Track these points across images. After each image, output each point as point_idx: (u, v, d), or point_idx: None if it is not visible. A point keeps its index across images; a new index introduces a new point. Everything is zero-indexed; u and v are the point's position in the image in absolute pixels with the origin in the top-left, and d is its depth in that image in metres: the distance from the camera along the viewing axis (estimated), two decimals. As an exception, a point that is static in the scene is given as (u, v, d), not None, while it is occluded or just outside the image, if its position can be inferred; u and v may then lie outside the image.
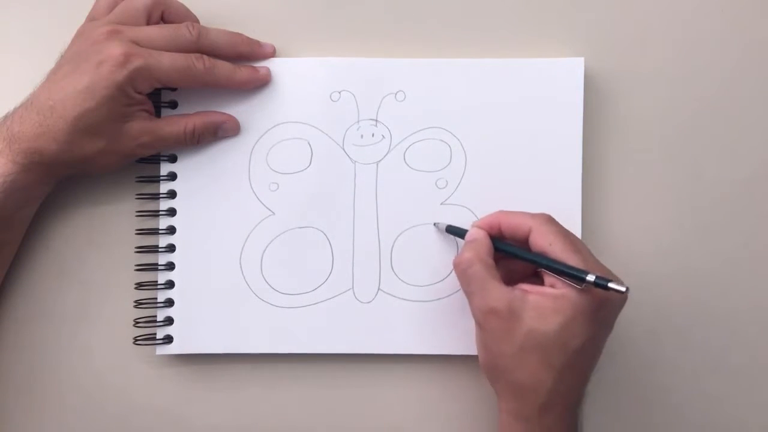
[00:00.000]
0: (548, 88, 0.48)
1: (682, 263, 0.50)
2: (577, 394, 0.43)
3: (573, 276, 0.41)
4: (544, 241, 0.43)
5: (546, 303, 0.41)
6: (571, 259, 0.42)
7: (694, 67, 0.50)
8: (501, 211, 0.46)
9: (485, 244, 0.45)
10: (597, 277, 0.40)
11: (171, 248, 0.49)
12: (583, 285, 0.41)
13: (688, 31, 0.50)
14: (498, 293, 0.42)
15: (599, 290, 0.41)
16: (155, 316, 0.49)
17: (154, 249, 0.49)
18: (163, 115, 0.49)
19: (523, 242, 0.45)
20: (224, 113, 0.49)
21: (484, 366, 0.44)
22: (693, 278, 0.50)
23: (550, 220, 0.44)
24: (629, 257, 0.48)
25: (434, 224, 0.48)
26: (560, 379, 0.41)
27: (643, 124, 0.50)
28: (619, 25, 0.50)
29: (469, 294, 0.44)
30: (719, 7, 0.50)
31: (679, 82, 0.50)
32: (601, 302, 0.41)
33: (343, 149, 0.49)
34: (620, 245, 0.49)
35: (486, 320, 0.42)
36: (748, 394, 0.50)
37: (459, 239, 0.48)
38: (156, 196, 0.49)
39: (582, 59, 0.48)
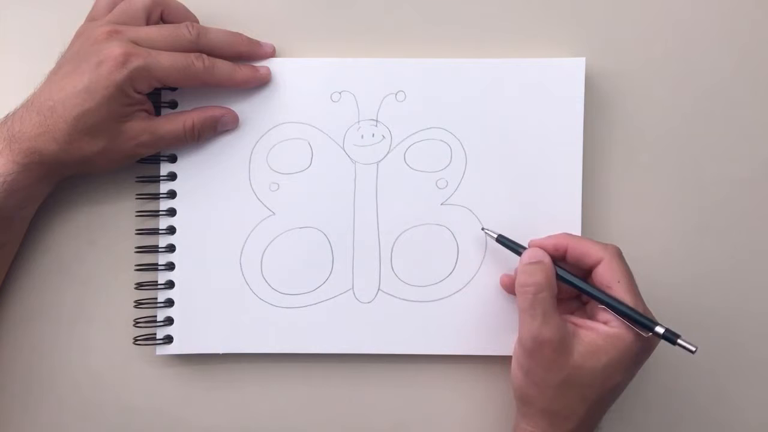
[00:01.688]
0: (549, 89, 0.48)
1: (682, 263, 0.50)
2: (597, 424, 0.45)
3: (640, 323, 0.42)
4: (612, 277, 0.43)
5: (598, 341, 0.42)
6: (635, 303, 0.42)
7: (693, 67, 0.50)
8: (567, 235, 0.46)
9: (552, 269, 0.44)
10: (666, 331, 0.41)
11: (171, 248, 0.49)
12: (649, 335, 0.42)
13: (688, 31, 0.50)
14: (555, 325, 0.42)
15: (652, 337, 0.42)
16: (155, 316, 0.49)
17: (154, 249, 0.49)
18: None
19: (585, 271, 0.45)
20: (222, 107, 0.48)
21: (519, 389, 0.44)
22: (693, 278, 0.50)
23: (620, 255, 0.44)
24: (629, 257, 0.47)
25: (483, 229, 0.48)
26: (592, 411, 0.43)
27: (644, 124, 0.50)
28: (619, 25, 0.50)
29: (528, 317, 0.43)
30: (719, 7, 0.50)
31: (679, 82, 0.50)
32: (649, 347, 0.43)
33: (344, 149, 0.49)
34: (620, 245, 0.49)
35: (537, 349, 0.42)
36: (748, 393, 0.50)
37: (508, 250, 0.47)
38: (156, 196, 0.49)
39: (583, 59, 0.48)
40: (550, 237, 0.46)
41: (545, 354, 0.42)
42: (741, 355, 0.50)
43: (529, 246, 0.46)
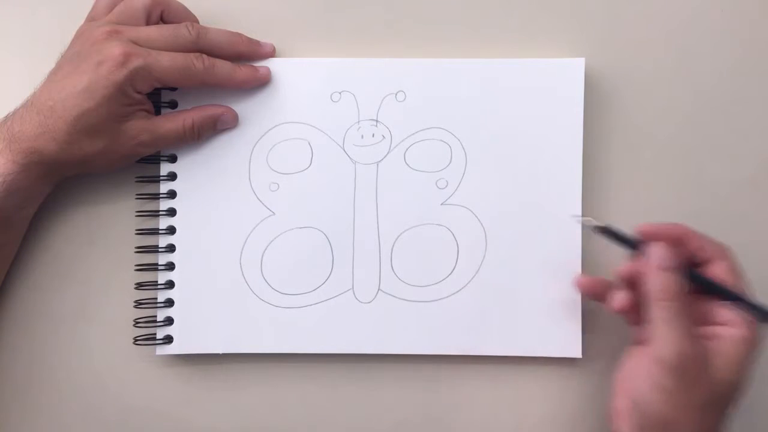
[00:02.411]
0: (549, 89, 0.48)
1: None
2: None
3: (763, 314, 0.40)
4: (727, 276, 0.41)
5: (738, 351, 0.39)
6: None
7: (694, 67, 0.50)
8: (680, 225, 0.43)
9: (681, 274, 0.41)
10: None
11: (171, 248, 0.49)
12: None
13: (688, 31, 0.50)
14: (697, 339, 0.39)
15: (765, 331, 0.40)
16: (155, 316, 0.49)
17: (154, 249, 0.49)
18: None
19: (691, 264, 0.42)
20: (221, 105, 0.48)
21: (658, 414, 0.39)
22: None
23: (734, 255, 0.42)
24: (629, 256, 0.47)
25: (577, 218, 0.46)
26: (723, 421, 0.40)
27: (644, 124, 0.50)
28: (619, 25, 0.50)
29: (669, 329, 0.39)
30: (719, 8, 0.50)
31: (679, 82, 0.50)
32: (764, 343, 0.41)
33: (344, 149, 0.49)
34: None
35: (681, 365, 0.38)
36: (747, 392, 0.50)
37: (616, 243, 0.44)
38: (156, 196, 0.49)
39: (582, 59, 0.48)
40: (666, 226, 0.42)
41: (692, 371, 0.38)
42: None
43: (643, 236, 0.42)
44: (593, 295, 0.46)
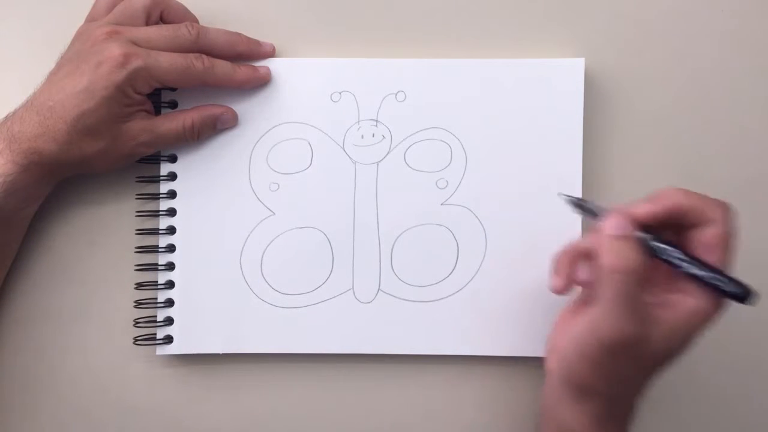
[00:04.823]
0: (548, 89, 0.48)
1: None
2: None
3: (732, 294, 0.37)
4: (716, 241, 0.37)
5: (679, 321, 0.38)
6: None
7: (694, 67, 0.50)
8: (674, 190, 0.39)
9: (640, 245, 0.38)
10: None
11: (171, 248, 0.49)
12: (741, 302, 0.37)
13: (688, 31, 0.50)
14: (641, 317, 0.37)
15: (725, 302, 0.38)
16: (155, 316, 0.49)
17: (154, 249, 0.49)
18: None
19: (683, 228, 0.39)
20: (221, 105, 0.48)
21: (579, 378, 0.39)
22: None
23: (732, 217, 0.38)
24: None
25: (560, 195, 0.44)
26: (649, 386, 0.40)
27: (644, 124, 0.50)
28: (619, 25, 0.50)
29: (612, 307, 0.37)
30: (719, 7, 0.50)
31: (679, 82, 0.50)
32: (720, 314, 0.38)
33: (344, 149, 0.49)
34: (620, 245, 0.49)
35: (617, 343, 0.37)
36: (747, 393, 0.50)
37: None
38: (156, 196, 0.49)
39: (582, 59, 0.48)
40: (659, 196, 0.39)
41: (627, 351, 0.37)
42: (741, 354, 0.50)
43: (616, 211, 0.39)
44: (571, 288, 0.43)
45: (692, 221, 0.38)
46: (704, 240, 0.38)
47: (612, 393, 0.39)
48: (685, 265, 0.38)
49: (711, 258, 0.38)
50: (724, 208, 0.38)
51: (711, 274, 0.37)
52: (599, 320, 0.37)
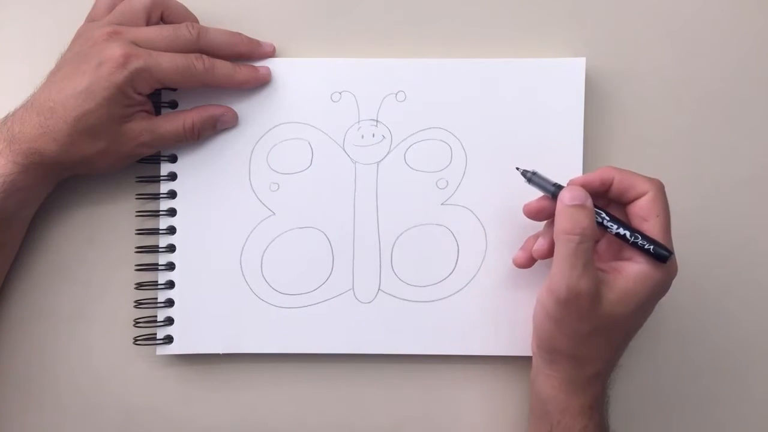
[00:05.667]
0: (549, 89, 0.48)
1: (682, 263, 0.49)
2: (619, 359, 0.45)
3: (656, 254, 0.41)
4: (651, 211, 0.42)
5: (628, 286, 0.41)
6: (665, 239, 0.42)
7: (694, 67, 0.50)
8: (612, 167, 0.43)
9: (593, 214, 0.42)
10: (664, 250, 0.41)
11: (171, 248, 0.49)
12: (665, 263, 0.41)
13: (688, 31, 0.50)
14: (593, 276, 0.41)
15: (671, 270, 0.42)
16: (155, 316, 0.49)
17: (154, 249, 0.49)
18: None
19: (622, 204, 0.43)
20: (221, 105, 0.48)
21: (545, 338, 0.44)
22: (693, 278, 0.50)
23: (662, 191, 0.43)
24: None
25: (518, 169, 0.45)
26: (616, 351, 0.44)
27: (644, 124, 0.50)
28: (620, 25, 0.50)
29: (567, 266, 0.41)
30: (719, 7, 0.50)
31: (680, 82, 0.50)
32: (668, 282, 0.42)
33: (344, 149, 0.49)
34: (620, 245, 0.49)
35: (572, 300, 0.41)
36: (747, 393, 0.50)
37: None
38: (156, 196, 0.49)
39: (583, 59, 0.48)
40: (594, 172, 0.43)
41: (580, 305, 0.41)
42: (741, 355, 0.50)
43: (570, 184, 0.43)
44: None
45: (625, 194, 0.43)
46: (634, 211, 0.43)
47: (576, 354, 0.43)
48: (614, 227, 0.42)
49: (645, 228, 0.42)
50: (653, 183, 0.42)
51: (635, 235, 0.42)
52: (555, 278, 0.41)
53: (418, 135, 0.49)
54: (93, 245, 0.50)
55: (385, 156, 0.49)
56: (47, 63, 0.46)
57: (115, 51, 0.43)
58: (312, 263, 0.49)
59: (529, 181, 0.45)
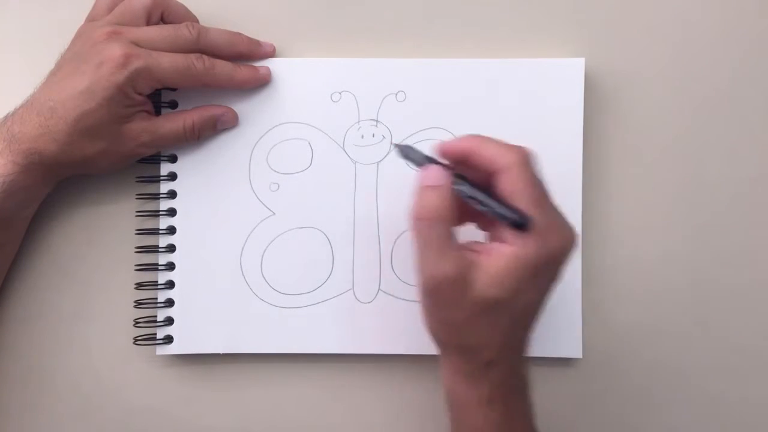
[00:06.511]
0: (549, 89, 0.48)
1: (682, 263, 0.50)
2: (524, 346, 0.41)
3: (517, 224, 0.37)
4: (513, 188, 0.38)
5: (499, 266, 0.37)
6: (538, 212, 0.38)
7: (694, 67, 0.50)
8: (476, 137, 0.40)
9: (450, 193, 0.38)
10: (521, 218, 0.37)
11: (171, 248, 0.49)
12: (526, 230, 0.37)
13: (689, 31, 0.50)
14: (452, 259, 0.38)
15: (550, 244, 0.38)
16: (155, 316, 0.49)
17: (154, 249, 0.49)
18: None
19: (488, 177, 0.39)
20: (221, 105, 0.48)
21: (428, 330, 0.41)
22: (694, 278, 0.50)
23: (525, 163, 0.38)
24: (630, 257, 0.48)
25: (394, 145, 0.44)
26: (508, 336, 0.40)
27: (644, 124, 0.50)
28: (619, 25, 0.50)
29: (421, 253, 0.38)
30: (719, 8, 0.50)
31: (680, 82, 0.50)
32: (549, 257, 0.38)
33: (344, 149, 0.49)
34: (620, 245, 0.49)
35: (434, 287, 0.38)
36: (747, 394, 0.50)
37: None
38: (156, 196, 0.49)
39: (583, 59, 0.48)
40: (459, 140, 0.40)
41: (444, 292, 0.38)
42: (742, 354, 0.50)
43: (439, 154, 0.40)
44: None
45: (489, 168, 0.39)
46: (501, 188, 0.38)
47: (461, 343, 0.40)
48: (471, 201, 0.38)
49: (515, 202, 0.38)
50: (512, 156, 0.38)
51: (488, 205, 0.38)
52: (417, 267, 0.39)
53: (418, 135, 0.49)
54: (93, 245, 0.50)
55: (385, 156, 0.49)
56: (47, 63, 0.46)
57: (115, 51, 0.43)
58: (312, 263, 0.49)
59: (406, 157, 0.41)
